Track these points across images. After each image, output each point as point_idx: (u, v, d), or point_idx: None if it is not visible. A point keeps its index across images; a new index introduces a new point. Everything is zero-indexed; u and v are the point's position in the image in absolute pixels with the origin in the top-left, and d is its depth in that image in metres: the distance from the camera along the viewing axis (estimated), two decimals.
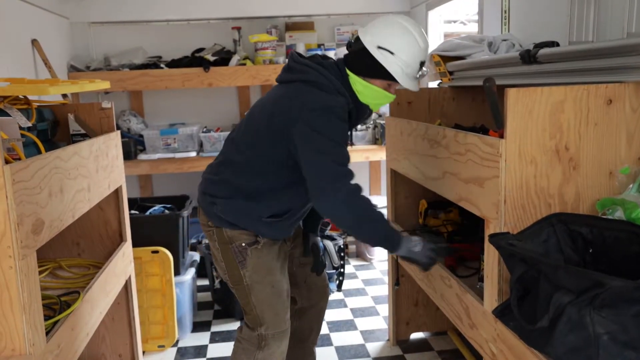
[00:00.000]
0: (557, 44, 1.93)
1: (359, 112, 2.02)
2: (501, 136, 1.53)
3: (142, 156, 3.98)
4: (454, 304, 1.96)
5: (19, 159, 1.67)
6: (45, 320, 1.64)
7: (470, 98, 2.78)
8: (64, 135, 2.55)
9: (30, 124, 2.13)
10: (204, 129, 4.18)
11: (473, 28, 5.10)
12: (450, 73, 2.70)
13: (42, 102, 2.49)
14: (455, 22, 5.16)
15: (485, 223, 1.64)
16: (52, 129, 2.46)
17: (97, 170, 2.15)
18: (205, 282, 3.67)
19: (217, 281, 3.32)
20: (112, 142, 2.45)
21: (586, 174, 1.54)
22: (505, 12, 2.82)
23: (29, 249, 1.45)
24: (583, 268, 1.44)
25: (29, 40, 3.29)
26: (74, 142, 2.47)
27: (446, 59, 2.69)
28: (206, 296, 3.63)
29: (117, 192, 2.52)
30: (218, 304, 3.48)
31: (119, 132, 2.57)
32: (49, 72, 3.38)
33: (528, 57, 1.97)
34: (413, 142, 2.28)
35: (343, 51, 4.18)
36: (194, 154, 4.03)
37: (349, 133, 1.96)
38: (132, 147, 4.00)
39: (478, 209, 1.68)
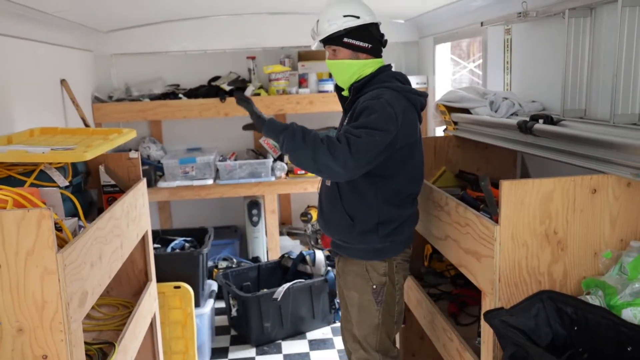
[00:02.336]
0: (551, 119, 2.09)
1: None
2: (496, 221, 1.70)
3: (161, 183, 4.19)
4: (454, 357, 2.14)
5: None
6: None
7: (473, 145, 2.94)
8: (94, 182, 2.75)
9: (67, 183, 2.33)
10: (220, 158, 4.37)
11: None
12: (455, 122, 2.87)
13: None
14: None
15: (482, 294, 1.82)
16: (85, 180, 2.66)
17: (127, 226, 2.34)
18: (222, 304, 3.87)
19: (234, 309, 3.52)
20: (140, 192, 2.64)
21: (573, 254, 1.71)
22: (507, 62, 2.97)
23: (77, 322, 1.64)
24: (570, 345, 1.61)
25: (58, 81, 3.48)
26: (104, 193, 2.67)
27: (451, 108, 2.86)
28: (223, 319, 3.83)
29: (143, 237, 2.71)
30: (234, 329, 3.69)
31: (144, 180, 2.76)
32: (77, 110, 3.58)
33: (525, 127, 2.14)
34: (419, 198, 2.45)
35: None
36: (210, 181, 4.22)
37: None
38: (152, 174, 4.20)
39: (476, 280, 1.86)
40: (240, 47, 4.51)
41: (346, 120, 2.18)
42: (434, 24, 4.17)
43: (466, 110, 2.77)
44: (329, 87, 4.39)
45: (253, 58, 4.54)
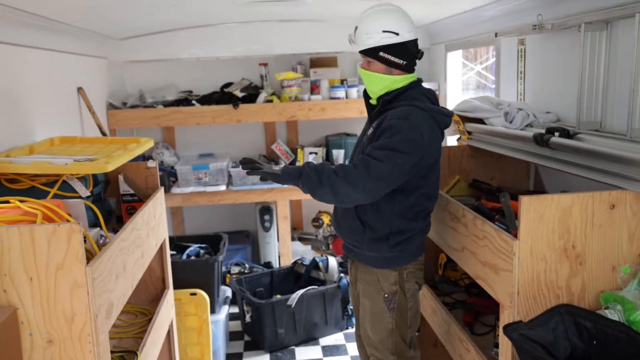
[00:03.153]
0: (568, 132, 2.11)
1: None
2: (515, 236, 1.73)
3: (175, 189, 4.23)
4: None
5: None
6: None
7: (487, 155, 2.97)
8: (112, 190, 2.79)
9: (89, 193, 2.37)
10: (233, 164, 4.41)
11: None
12: (469, 132, 2.90)
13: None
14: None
15: (500, 307, 1.85)
16: (104, 189, 2.69)
17: (147, 235, 2.38)
18: (235, 309, 3.90)
19: (247, 315, 3.55)
20: (158, 201, 2.67)
21: (591, 268, 1.74)
22: (521, 72, 3.00)
23: (104, 334, 1.68)
24: (588, 359, 1.63)
25: (75, 89, 3.53)
26: (123, 202, 2.71)
27: (465, 118, 2.89)
28: (236, 325, 3.87)
29: (161, 245, 2.75)
30: (248, 335, 3.72)
31: (162, 188, 2.80)
32: (93, 117, 3.62)
33: (541, 140, 2.16)
34: (435, 209, 2.48)
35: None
36: (223, 187, 4.26)
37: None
38: (166, 180, 4.24)
39: (494, 293, 1.89)
40: (252, 54, 4.55)
41: (370, 131, 2.20)
42: (445, 32, 4.20)
43: (480, 120, 2.80)
44: (341, 93, 4.42)
45: (265, 64, 4.58)
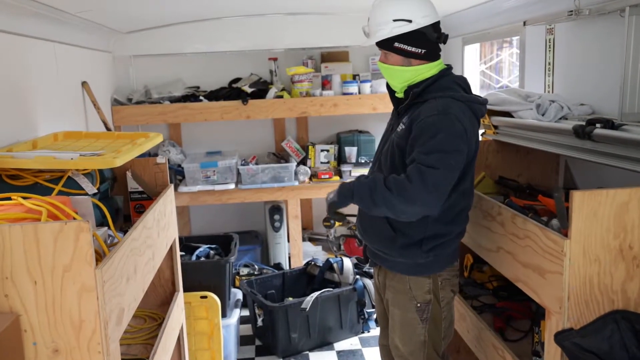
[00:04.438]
0: (612, 123, 1.96)
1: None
2: (565, 235, 1.57)
3: (182, 188, 4.07)
4: None
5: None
6: None
7: (514, 150, 2.82)
8: (119, 188, 2.64)
9: (95, 190, 2.22)
10: (242, 161, 4.25)
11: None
12: (495, 127, 2.74)
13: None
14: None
15: (546, 313, 1.69)
16: (111, 186, 2.55)
17: (158, 235, 2.23)
18: (246, 312, 3.74)
19: (259, 319, 3.40)
20: (168, 199, 2.53)
21: None
22: (549, 63, 2.85)
23: (115, 342, 1.53)
24: None
25: (79, 83, 3.38)
26: (132, 200, 2.57)
27: (491, 112, 2.74)
28: (247, 328, 3.71)
29: (171, 245, 2.60)
30: (259, 339, 3.57)
31: (172, 186, 2.65)
32: (98, 113, 3.47)
33: (582, 132, 2.01)
34: None
35: (379, 82, 4.25)
36: (232, 185, 4.11)
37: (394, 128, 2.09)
38: (173, 178, 4.09)
39: (538, 297, 1.73)
40: (261, 48, 4.40)
41: (400, 127, 2.01)
42: (463, 24, 4.05)
43: (507, 114, 2.65)
44: (354, 89, 4.27)
45: (275, 59, 4.43)
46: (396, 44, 1.98)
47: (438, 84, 1.99)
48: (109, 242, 1.97)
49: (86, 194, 2.16)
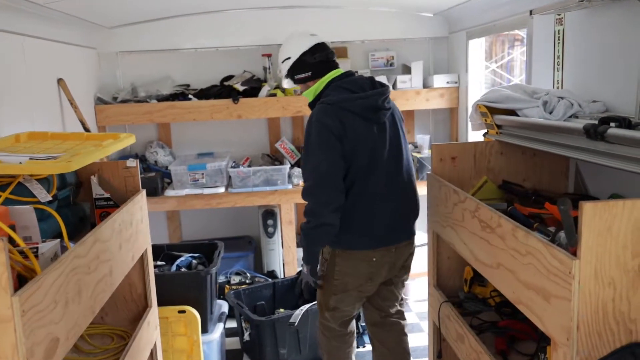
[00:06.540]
0: (629, 122, 1.71)
1: None
2: (573, 253, 1.33)
3: (169, 192, 3.86)
4: None
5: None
6: None
7: (520, 152, 2.57)
8: (87, 194, 2.43)
9: (50, 198, 2.00)
10: (233, 164, 4.03)
11: None
12: (498, 126, 2.50)
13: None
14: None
15: (552, 343, 1.45)
16: (75, 192, 2.33)
17: (120, 247, 2.01)
18: (234, 324, 3.52)
19: (246, 333, 3.17)
20: (137, 206, 2.30)
21: None
22: (558, 57, 2.59)
23: None
24: None
25: (54, 80, 3.18)
26: (97, 207, 2.35)
27: (493, 110, 2.49)
28: (235, 342, 3.49)
29: (142, 257, 2.38)
30: (247, 354, 3.34)
31: (143, 191, 2.43)
32: (75, 112, 3.27)
33: (594, 132, 1.76)
34: (461, 215, 2.09)
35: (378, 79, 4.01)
36: (222, 189, 3.88)
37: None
38: (159, 182, 3.87)
39: (542, 325, 1.49)
40: (255, 44, 4.18)
41: None
42: (466, 17, 3.80)
43: (512, 112, 2.40)
44: None
45: (269, 56, 4.20)
46: (295, 77, 2.50)
47: (325, 93, 2.41)
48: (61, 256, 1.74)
49: (38, 202, 1.95)
